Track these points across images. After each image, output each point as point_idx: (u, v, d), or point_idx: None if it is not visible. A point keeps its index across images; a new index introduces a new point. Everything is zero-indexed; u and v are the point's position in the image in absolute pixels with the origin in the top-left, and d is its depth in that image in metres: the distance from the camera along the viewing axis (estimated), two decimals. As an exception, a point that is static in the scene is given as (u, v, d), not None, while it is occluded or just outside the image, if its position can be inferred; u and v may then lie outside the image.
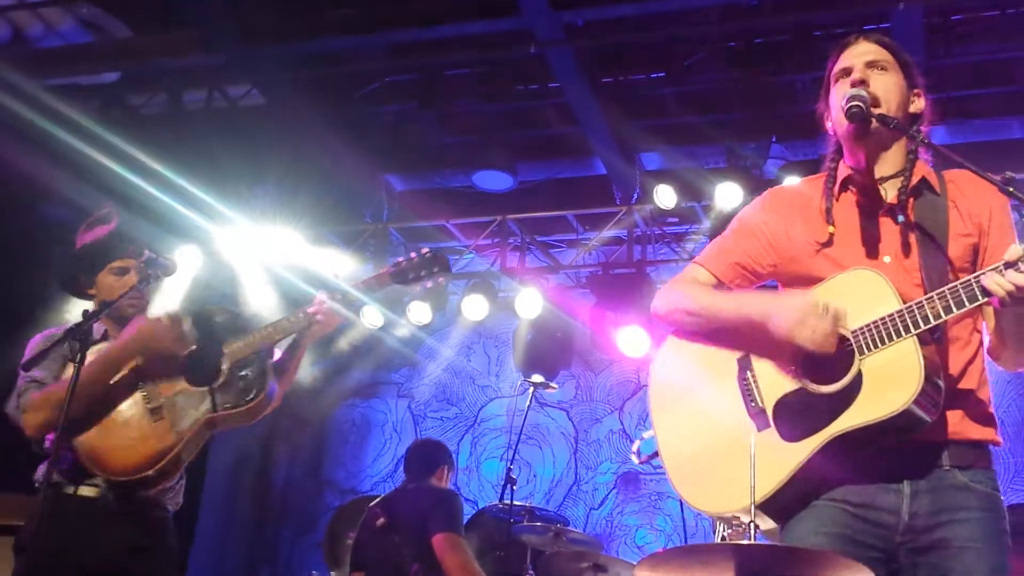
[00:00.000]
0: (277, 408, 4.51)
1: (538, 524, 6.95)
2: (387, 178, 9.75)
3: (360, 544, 6.46)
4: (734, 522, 2.73)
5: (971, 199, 2.98)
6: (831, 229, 2.97)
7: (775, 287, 3.18)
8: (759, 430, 2.84)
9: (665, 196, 8.34)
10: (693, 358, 3.09)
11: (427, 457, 6.68)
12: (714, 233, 8.54)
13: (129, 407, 4.21)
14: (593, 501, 9.63)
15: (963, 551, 2.73)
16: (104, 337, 4.38)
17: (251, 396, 4.20)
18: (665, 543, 9.01)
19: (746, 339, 2.97)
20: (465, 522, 6.38)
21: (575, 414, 10.02)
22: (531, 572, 6.90)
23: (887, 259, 2.90)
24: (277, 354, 4.54)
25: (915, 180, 2.97)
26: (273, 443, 10.38)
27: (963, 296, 2.68)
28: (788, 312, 2.80)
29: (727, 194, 8.20)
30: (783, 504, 2.79)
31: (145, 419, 4.19)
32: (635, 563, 3.18)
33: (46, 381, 4.18)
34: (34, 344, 4.36)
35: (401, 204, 9.82)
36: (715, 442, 2.93)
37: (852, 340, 2.78)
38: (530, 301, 8.99)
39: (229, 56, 7.84)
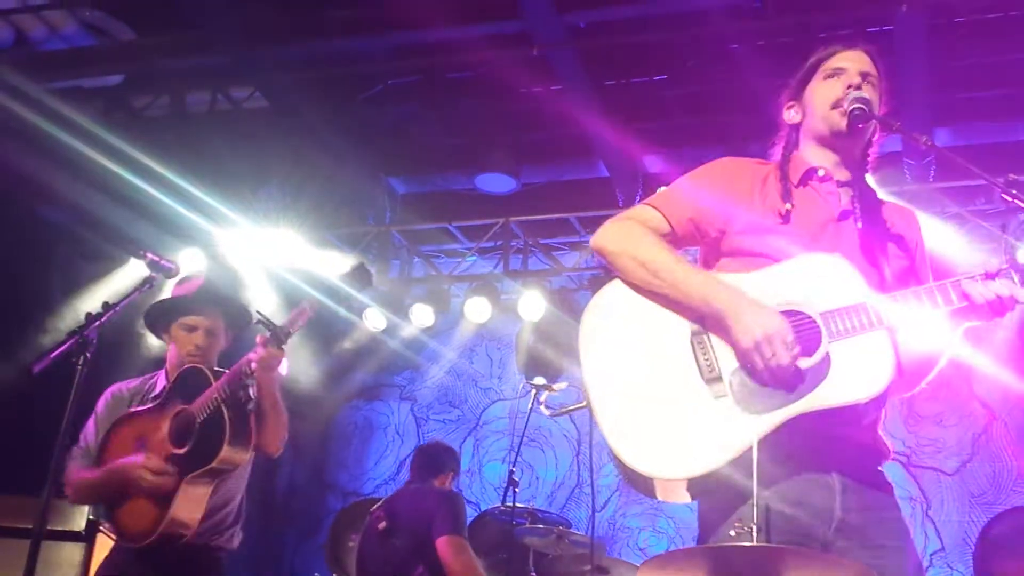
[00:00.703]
0: None
1: (540, 526, 6.94)
2: (390, 181, 9.76)
3: (363, 549, 6.46)
4: (735, 524, 2.67)
5: (904, 225, 3.10)
6: (788, 206, 2.94)
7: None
8: (715, 397, 2.73)
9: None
10: (637, 308, 2.92)
11: (434, 459, 6.68)
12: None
13: (131, 481, 4.32)
14: (596, 503, 9.62)
15: (892, 551, 2.75)
16: (163, 392, 4.52)
17: (216, 453, 4.15)
18: (668, 545, 9.01)
19: (695, 317, 2.85)
20: (467, 524, 6.37)
21: (577, 416, 10.00)
22: (533, 574, 6.89)
23: (837, 255, 2.89)
24: None
25: (869, 192, 3.06)
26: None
27: (939, 298, 2.72)
28: (754, 324, 2.70)
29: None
30: (717, 481, 2.67)
31: (141, 493, 4.29)
32: (638, 565, 3.15)
33: (90, 452, 4.43)
34: (107, 397, 4.62)
35: (404, 207, 9.83)
36: (662, 397, 2.77)
37: (821, 323, 2.75)
38: (533, 303, 9.00)
39: (232, 58, 7.84)
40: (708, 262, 3.08)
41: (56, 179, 7.93)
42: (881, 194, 3.15)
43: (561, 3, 7.04)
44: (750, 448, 2.60)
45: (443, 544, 6.01)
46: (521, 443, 6.90)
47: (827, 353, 2.71)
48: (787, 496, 2.73)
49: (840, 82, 3.04)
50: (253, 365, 4.09)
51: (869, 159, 3.11)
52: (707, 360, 2.78)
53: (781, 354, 2.67)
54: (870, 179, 3.13)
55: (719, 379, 2.75)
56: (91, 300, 8.54)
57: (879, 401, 2.71)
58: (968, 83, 7.71)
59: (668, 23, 7.44)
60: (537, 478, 9.89)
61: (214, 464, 4.12)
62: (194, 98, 8.75)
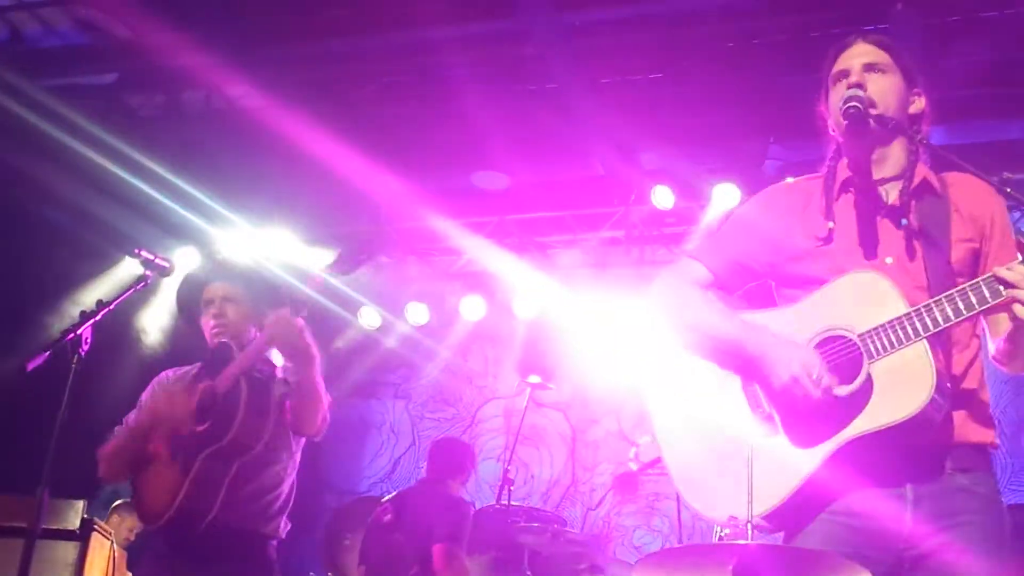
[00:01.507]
0: None
1: (535, 525, 6.95)
2: (384, 178, 9.73)
3: (367, 540, 6.47)
4: (730, 522, 2.68)
5: (972, 203, 2.96)
6: (830, 225, 2.93)
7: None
8: (768, 436, 2.80)
9: (663, 197, 8.34)
10: (694, 362, 3.01)
11: (453, 459, 6.67)
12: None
13: (165, 463, 4.25)
14: (590, 502, 9.63)
15: (964, 554, 2.71)
16: (200, 372, 4.47)
17: (227, 432, 4.05)
18: (662, 544, 9.01)
19: (736, 365, 2.93)
20: (468, 536, 6.36)
21: (572, 415, 10.01)
22: (528, 573, 6.90)
23: (889, 260, 2.87)
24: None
25: (916, 182, 2.95)
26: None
27: (972, 298, 2.66)
28: (780, 368, 2.74)
29: (725, 195, 8.21)
30: (790, 513, 2.75)
31: (169, 471, 4.21)
32: (632, 563, 3.17)
33: (128, 427, 4.43)
34: (152, 385, 4.58)
35: (398, 204, 9.81)
36: (722, 447, 2.86)
37: (860, 344, 2.75)
38: (527, 302, 9.00)
39: (227, 56, 7.83)
40: (778, 292, 3.11)
41: (50, 177, 7.91)
42: (949, 174, 3.04)
43: (557, 1, 7.04)
44: (806, 480, 2.69)
45: (438, 551, 6.02)
46: (516, 441, 6.91)
47: (868, 375, 2.71)
48: (854, 510, 2.75)
49: (844, 84, 2.99)
50: (269, 328, 4.05)
51: (914, 143, 2.97)
52: (756, 402, 2.86)
53: (811, 391, 2.69)
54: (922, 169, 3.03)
55: (771, 418, 2.82)
56: (86, 298, 8.53)
57: (934, 410, 2.66)
58: (963, 81, 7.71)
59: (664, 21, 7.44)
60: (532, 476, 9.89)
61: (224, 443, 4.03)
62: (189, 96, 8.74)
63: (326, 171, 8.97)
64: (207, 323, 4.49)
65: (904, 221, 2.90)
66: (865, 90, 2.93)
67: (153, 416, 4.28)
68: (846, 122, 2.91)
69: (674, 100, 8.27)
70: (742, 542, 2.57)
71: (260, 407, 4.12)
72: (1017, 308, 2.62)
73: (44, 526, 3.94)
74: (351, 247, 9.66)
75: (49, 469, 3.63)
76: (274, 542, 4.49)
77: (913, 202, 2.94)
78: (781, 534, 2.91)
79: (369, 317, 9.59)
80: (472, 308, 9.21)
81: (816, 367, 2.71)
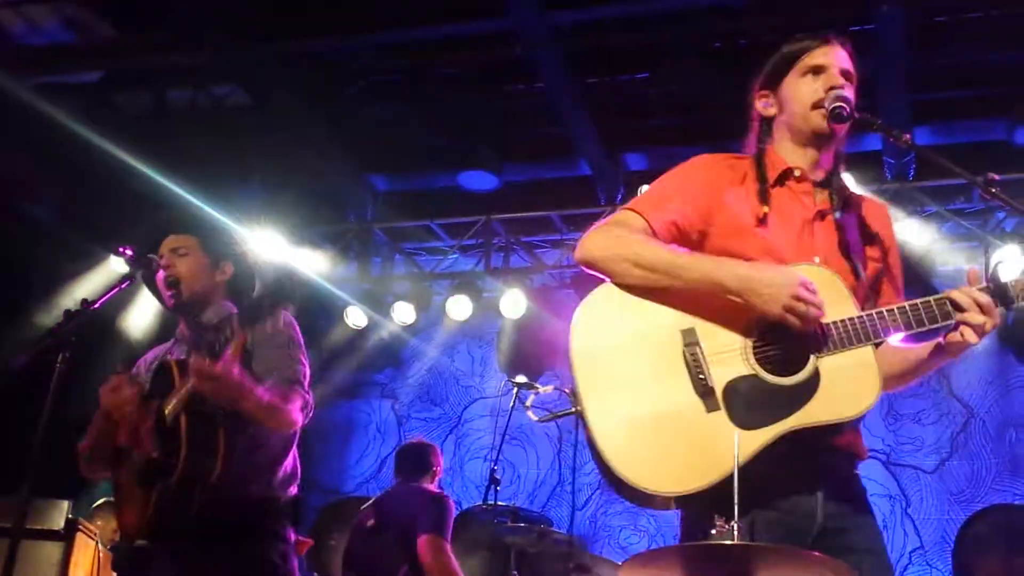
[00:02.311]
0: None
1: (522, 525, 6.94)
2: (371, 178, 9.74)
3: (351, 546, 6.46)
4: (718, 523, 2.67)
5: (878, 224, 3.05)
6: (765, 209, 2.91)
7: None
8: (708, 411, 2.71)
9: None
10: (628, 316, 2.86)
11: (418, 459, 6.68)
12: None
13: (130, 469, 3.99)
14: (577, 501, 9.63)
15: (867, 554, 2.78)
16: (174, 343, 4.29)
17: (177, 463, 3.74)
18: (649, 543, 9.02)
19: (700, 306, 2.80)
20: (452, 528, 6.36)
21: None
22: (515, 573, 6.89)
23: (817, 259, 2.87)
24: None
25: (846, 193, 3.03)
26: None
27: (924, 316, 2.72)
28: (777, 286, 2.67)
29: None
30: (721, 495, 2.63)
31: (135, 484, 3.95)
32: (619, 563, 3.16)
33: None
34: (144, 361, 4.31)
35: (385, 204, 9.81)
36: (657, 412, 2.76)
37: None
38: (514, 301, 9.00)
39: (214, 55, 7.82)
40: None
41: (36, 175, 7.89)
42: (854, 189, 3.15)
43: (544, 2, 7.05)
44: (746, 462, 2.62)
45: (423, 543, 6.02)
46: (503, 441, 6.90)
47: (816, 368, 2.71)
48: (774, 503, 2.75)
49: (821, 81, 2.98)
50: (192, 382, 3.70)
51: (841, 157, 3.05)
52: (699, 373, 2.74)
53: (813, 299, 2.66)
54: (846, 177, 3.12)
55: (712, 393, 2.73)
56: (71, 297, 8.50)
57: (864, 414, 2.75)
58: (948, 82, 7.76)
59: (651, 22, 7.46)
60: (519, 476, 9.89)
61: (173, 479, 3.73)
62: (176, 95, 8.72)
63: (312, 170, 8.98)
64: (160, 282, 4.19)
65: (836, 224, 2.94)
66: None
67: (106, 417, 3.99)
68: (828, 119, 2.91)
69: (660, 100, 8.30)
70: (729, 542, 2.57)
71: (205, 443, 3.79)
72: (965, 331, 2.69)
73: (28, 526, 3.89)
74: (338, 246, 9.66)
75: (33, 469, 3.62)
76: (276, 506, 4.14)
77: (839, 211, 2.97)
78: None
79: (355, 316, 9.58)
80: (459, 308, 9.20)
81: (806, 280, 2.68)
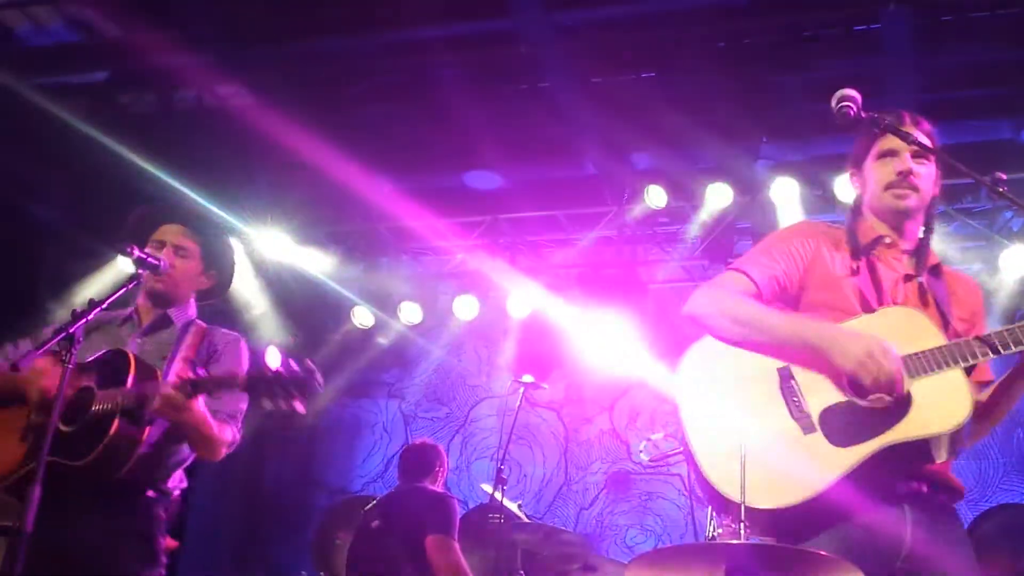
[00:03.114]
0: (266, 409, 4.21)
1: (528, 524, 6.95)
2: (378, 178, 9.73)
3: (355, 547, 6.47)
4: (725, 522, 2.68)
5: (966, 293, 3.27)
6: (857, 263, 3.15)
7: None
8: (804, 433, 2.90)
9: (655, 196, 8.35)
10: (729, 361, 3.12)
11: (421, 460, 6.69)
12: (706, 234, 8.59)
13: (16, 416, 3.99)
14: (583, 501, 9.64)
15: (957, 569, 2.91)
16: (128, 317, 4.30)
17: (89, 453, 3.76)
18: (655, 543, 9.01)
19: (794, 357, 3.03)
20: (458, 527, 6.37)
21: (565, 414, 10.02)
22: (521, 572, 6.90)
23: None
24: None
25: (933, 261, 3.22)
26: (263, 443, 10.35)
27: (1008, 340, 2.88)
28: (854, 347, 2.85)
29: (717, 194, 8.22)
30: (816, 509, 2.83)
31: (15, 435, 3.96)
32: (625, 563, 3.18)
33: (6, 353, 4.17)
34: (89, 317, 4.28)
35: (391, 204, 9.80)
36: (759, 441, 2.95)
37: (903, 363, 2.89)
38: (520, 301, 9.00)
39: (219, 55, 7.82)
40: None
41: (42, 175, 7.89)
42: (944, 264, 3.33)
43: (549, 1, 7.04)
44: (844, 476, 2.80)
45: (431, 543, 6.03)
46: (509, 441, 6.91)
47: (908, 392, 2.85)
48: (863, 521, 2.87)
49: (891, 164, 3.20)
50: (155, 402, 3.73)
51: (930, 231, 3.26)
52: (796, 402, 2.96)
53: (885, 363, 2.81)
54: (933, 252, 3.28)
55: (808, 417, 2.92)
56: (79, 297, 8.51)
57: (958, 437, 2.88)
58: (954, 82, 7.73)
59: (656, 21, 7.45)
60: (525, 476, 9.90)
61: (77, 465, 3.76)
62: (180, 95, 8.72)
63: (318, 170, 8.97)
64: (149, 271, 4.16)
65: (924, 286, 3.14)
66: (912, 178, 3.18)
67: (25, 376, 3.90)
68: (838, 119, 3.05)
69: (666, 99, 8.28)
70: (734, 542, 2.57)
71: (127, 444, 3.82)
72: None
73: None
74: (345, 246, 9.66)
75: (42, 468, 3.61)
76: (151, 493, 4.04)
77: (926, 274, 3.18)
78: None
79: (362, 316, 9.59)
80: (465, 308, 9.21)
81: (886, 343, 2.84)
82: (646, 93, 8.31)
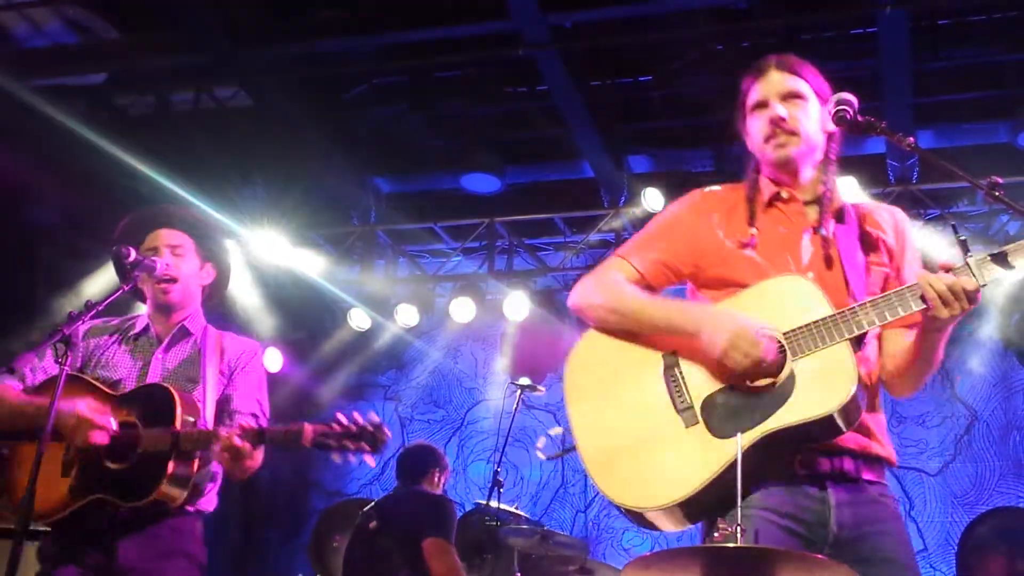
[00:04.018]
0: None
1: (524, 527, 6.95)
2: (375, 180, 9.75)
3: (352, 548, 6.46)
4: (720, 526, 2.67)
5: (883, 230, 3.10)
6: (752, 231, 3.01)
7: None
8: (687, 426, 2.82)
9: (653, 199, 8.35)
10: (614, 352, 3.03)
11: (417, 461, 6.68)
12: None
13: (52, 448, 3.84)
14: (580, 504, 9.64)
15: (888, 563, 2.80)
16: (145, 330, 4.26)
17: (147, 494, 3.78)
18: (651, 546, 9.01)
19: (672, 344, 2.95)
20: (455, 529, 6.37)
21: (562, 417, 10.00)
22: (518, 574, 6.90)
23: (810, 275, 2.94)
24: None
25: (835, 206, 3.06)
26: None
27: (897, 305, 2.74)
28: (721, 332, 2.78)
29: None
30: (706, 503, 2.76)
31: (55, 467, 3.91)
32: (621, 566, 3.17)
33: (24, 376, 4.10)
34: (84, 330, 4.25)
35: (389, 206, 9.81)
36: (639, 435, 2.89)
37: (784, 342, 2.80)
38: (517, 304, 9.00)
39: (216, 57, 7.82)
40: (694, 297, 3.15)
41: (39, 177, 7.89)
42: (860, 199, 3.19)
43: (546, 4, 7.05)
44: (725, 469, 2.71)
45: (428, 546, 6.03)
46: (506, 443, 6.91)
47: (792, 372, 2.76)
48: (782, 509, 2.79)
49: (764, 115, 3.08)
50: (217, 448, 3.77)
51: (830, 173, 3.09)
52: (679, 392, 2.88)
53: (750, 351, 2.74)
54: (849, 184, 3.17)
55: (690, 408, 2.84)
56: (75, 299, 8.51)
57: (852, 412, 2.73)
58: (952, 85, 7.75)
59: (653, 24, 7.46)
60: (522, 478, 9.90)
61: (127, 506, 3.79)
62: (178, 97, 8.73)
63: (315, 173, 8.98)
64: (151, 279, 4.18)
65: (823, 231, 2.99)
66: (788, 122, 3.04)
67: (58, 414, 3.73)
68: (836, 122, 2.95)
69: (664, 102, 8.30)
70: (732, 545, 2.57)
71: (180, 483, 3.87)
72: (937, 309, 2.68)
73: (32, 527, 3.88)
74: (341, 248, 9.67)
75: (37, 469, 3.61)
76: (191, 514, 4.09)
77: (832, 223, 3.03)
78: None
79: (359, 319, 9.58)
80: (462, 310, 9.20)
81: (751, 327, 2.76)
82: (643, 96, 8.33)
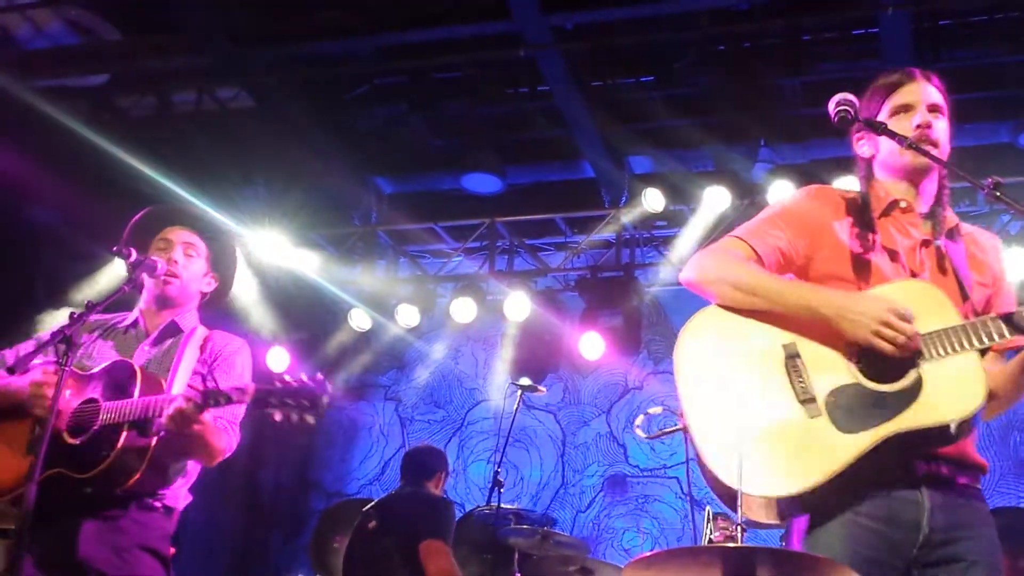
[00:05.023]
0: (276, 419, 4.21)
1: (525, 527, 6.94)
2: (376, 181, 9.75)
3: (352, 549, 6.46)
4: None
5: (986, 253, 3.12)
6: (873, 236, 3.01)
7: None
8: (810, 418, 2.79)
9: (653, 199, 8.35)
10: (733, 335, 2.99)
11: (424, 463, 6.68)
12: (705, 237, 8.59)
13: (22, 426, 3.97)
14: (580, 504, 9.64)
15: (974, 566, 2.79)
16: (134, 324, 4.26)
17: (97, 465, 3.76)
18: (652, 546, 9.01)
19: (800, 326, 2.91)
20: (453, 532, 6.37)
21: (562, 417, 10.02)
22: (518, 574, 6.90)
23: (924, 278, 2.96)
24: None
25: (950, 223, 3.07)
26: (261, 445, 10.35)
27: None
28: (867, 314, 2.76)
29: (715, 198, 8.22)
30: (821, 496, 2.73)
31: (22, 448, 3.94)
32: (622, 566, 3.16)
33: (4, 361, 4.11)
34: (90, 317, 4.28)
35: (389, 207, 9.82)
36: (759, 423, 2.83)
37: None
38: (518, 304, 9.00)
39: (218, 58, 7.83)
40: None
41: (40, 178, 7.89)
42: (961, 222, 3.20)
43: (548, 5, 7.05)
44: (847, 466, 2.68)
45: (424, 548, 6.02)
46: (506, 444, 6.91)
47: (919, 375, 2.75)
48: (875, 513, 2.78)
49: (909, 119, 3.07)
50: (163, 419, 3.71)
51: (945, 190, 3.13)
52: (801, 383, 2.84)
53: (905, 327, 2.73)
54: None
55: (813, 400, 2.80)
56: (76, 299, 8.51)
57: (972, 421, 2.75)
58: (953, 86, 7.73)
59: (654, 25, 7.46)
60: (522, 478, 9.90)
61: (83, 477, 3.77)
62: (180, 98, 8.73)
63: (316, 173, 8.98)
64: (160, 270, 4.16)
65: (942, 252, 3.01)
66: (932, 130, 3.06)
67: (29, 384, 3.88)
68: (835, 122, 2.97)
69: (665, 103, 8.30)
70: (732, 544, 2.57)
71: (135, 455, 3.82)
72: None
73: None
74: (342, 248, 9.67)
75: (38, 470, 3.61)
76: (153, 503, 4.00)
77: (943, 238, 3.05)
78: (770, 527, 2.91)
79: (359, 319, 9.58)
80: (463, 310, 9.20)
81: (897, 305, 2.75)
82: (644, 97, 8.33)
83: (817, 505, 2.75)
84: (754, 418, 2.84)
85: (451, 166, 9.00)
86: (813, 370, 2.85)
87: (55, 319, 7.76)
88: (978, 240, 3.15)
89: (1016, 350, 2.88)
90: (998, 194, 2.72)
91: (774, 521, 2.86)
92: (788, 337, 2.91)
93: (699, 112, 8.26)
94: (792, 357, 2.88)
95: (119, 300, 4.00)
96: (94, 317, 4.25)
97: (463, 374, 10.53)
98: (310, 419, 3.69)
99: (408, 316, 9.40)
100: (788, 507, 2.80)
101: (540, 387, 7.23)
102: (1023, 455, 8.69)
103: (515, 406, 6.93)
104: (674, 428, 5.43)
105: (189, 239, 4.28)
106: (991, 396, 2.91)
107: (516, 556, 6.96)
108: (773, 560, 2.60)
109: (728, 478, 2.75)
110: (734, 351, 2.96)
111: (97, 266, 8.80)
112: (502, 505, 6.82)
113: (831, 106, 2.96)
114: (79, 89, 8.58)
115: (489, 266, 9.45)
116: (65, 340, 3.69)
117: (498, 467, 6.80)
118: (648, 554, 2.67)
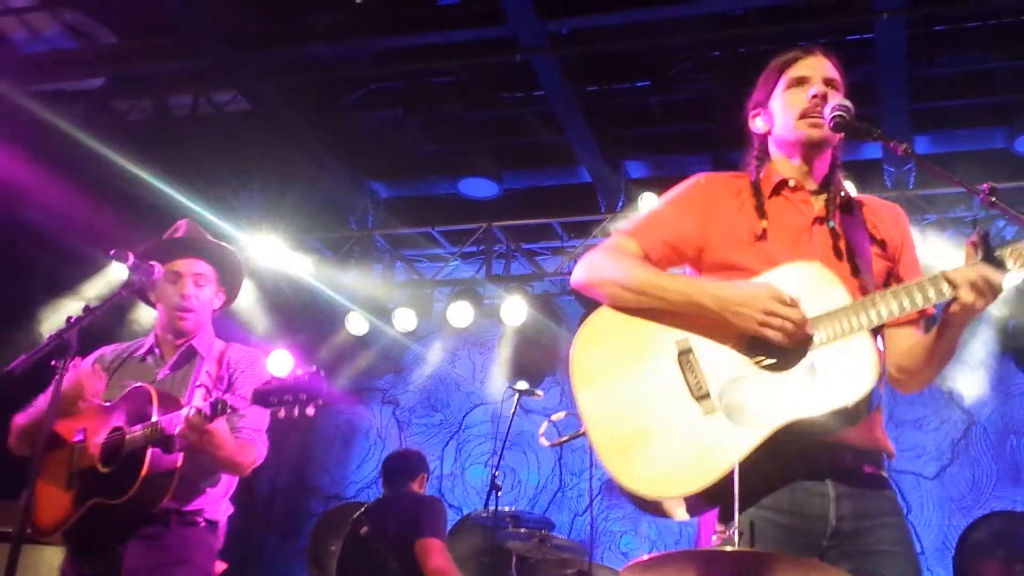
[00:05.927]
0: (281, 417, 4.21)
1: (523, 530, 6.95)
2: (372, 185, 9.76)
3: (345, 554, 6.47)
4: (718, 530, 2.67)
5: (887, 225, 3.07)
6: (764, 224, 2.97)
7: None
8: (704, 414, 2.75)
9: (650, 204, 8.36)
10: (624, 333, 2.95)
11: (405, 466, 6.70)
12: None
13: (60, 464, 4.09)
14: (578, 507, 9.64)
15: (889, 555, 2.77)
16: (150, 351, 4.34)
17: (127, 490, 3.85)
18: (650, 549, 9.02)
19: (692, 322, 2.86)
20: (450, 528, 6.38)
21: (561, 421, 10.01)
22: (515, 578, 6.91)
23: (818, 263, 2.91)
24: None
25: (842, 197, 3.04)
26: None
27: (917, 296, 2.70)
28: (751, 304, 2.73)
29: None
30: (715, 493, 2.68)
31: (62, 482, 4.07)
32: (619, 569, 3.16)
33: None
34: (110, 351, 4.40)
35: (386, 211, 9.83)
36: (655, 422, 2.80)
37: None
38: (515, 308, 9.01)
39: (214, 62, 7.83)
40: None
41: (37, 182, 7.90)
42: (863, 194, 3.16)
43: (544, 10, 7.06)
44: (744, 459, 2.63)
45: (420, 547, 6.03)
46: (504, 447, 6.92)
47: (812, 361, 2.72)
48: (780, 506, 2.75)
49: (804, 91, 3.04)
50: (176, 431, 3.79)
51: (838, 163, 3.10)
52: (695, 379, 2.80)
53: (788, 313, 2.70)
54: (847, 184, 3.14)
55: (707, 396, 2.77)
56: (73, 303, 8.52)
57: (868, 403, 2.70)
58: (948, 91, 7.77)
59: (650, 30, 7.47)
60: (519, 482, 9.90)
61: (117, 503, 3.86)
62: (176, 101, 8.74)
63: (313, 177, 8.99)
64: (171, 299, 4.29)
65: (834, 230, 2.97)
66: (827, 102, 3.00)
67: (63, 402, 3.92)
68: (833, 128, 2.93)
69: (661, 108, 8.32)
70: (730, 548, 2.57)
71: (162, 475, 3.90)
72: (963, 296, 2.65)
73: (30, 531, 3.90)
74: (339, 253, 9.67)
75: (35, 474, 3.62)
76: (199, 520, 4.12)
77: (837, 214, 3.01)
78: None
79: (357, 323, 9.59)
80: (460, 314, 9.21)
81: (780, 292, 2.72)
82: (641, 102, 8.34)
83: (724, 499, 2.67)
84: (649, 418, 2.82)
85: (448, 170, 9.01)
86: (707, 365, 2.81)
87: (53, 323, 7.78)
88: (877, 211, 3.11)
89: (927, 317, 2.85)
90: (993, 199, 2.72)
91: (685, 517, 2.84)
92: (681, 334, 2.87)
93: (695, 117, 8.27)
94: (685, 353, 2.84)
95: (132, 331, 4.09)
96: (111, 352, 4.32)
97: (460, 378, 10.54)
98: (310, 411, 3.74)
99: (405, 320, 9.42)
100: (695, 503, 2.76)
101: (537, 391, 7.25)
102: (1019, 459, 8.70)
103: (512, 410, 6.94)
104: (577, 433, 5.36)
105: (199, 269, 4.35)
106: (919, 368, 2.92)
107: (514, 559, 6.97)
108: (770, 564, 2.60)
109: (626, 479, 2.78)
110: (628, 351, 2.92)
111: (95, 269, 8.82)
112: (500, 508, 6.83)
113: (827, 111, 2.95)
114: (76, 92, 8.58)
115: (486, 270, 9.46)
116: (62, 343, 3.70)
117: (496, 470, 6.81)
118: (646, 557, 2.67)
